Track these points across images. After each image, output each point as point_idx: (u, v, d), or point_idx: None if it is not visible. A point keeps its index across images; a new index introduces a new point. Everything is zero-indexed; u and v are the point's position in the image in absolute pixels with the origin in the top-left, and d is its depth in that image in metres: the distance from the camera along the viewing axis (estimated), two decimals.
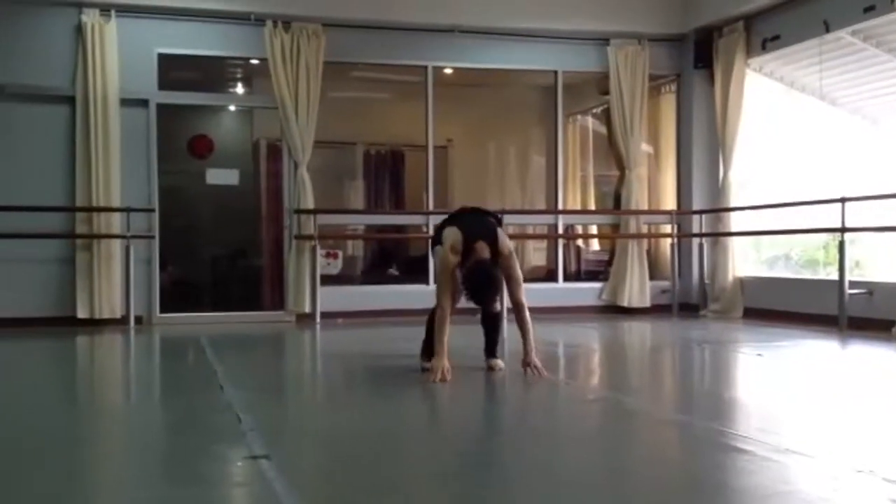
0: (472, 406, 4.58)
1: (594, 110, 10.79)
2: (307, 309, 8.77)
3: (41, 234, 8.16)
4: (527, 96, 11.12)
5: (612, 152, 9.88)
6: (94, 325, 8.13)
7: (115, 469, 3.36)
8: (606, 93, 9.77)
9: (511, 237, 9.52)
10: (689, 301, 9.58)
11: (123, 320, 8.23)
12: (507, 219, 9.23)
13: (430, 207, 9.43)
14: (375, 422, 3.99)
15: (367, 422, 3.99)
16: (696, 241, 9.57)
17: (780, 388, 5.08)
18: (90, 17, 8.24)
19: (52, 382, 5.45)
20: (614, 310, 9.45)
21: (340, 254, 9.77)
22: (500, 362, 5.34)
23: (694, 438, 3.71)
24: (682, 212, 9.76)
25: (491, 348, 5.41)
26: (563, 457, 3.38)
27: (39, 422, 4.01)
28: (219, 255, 11.20)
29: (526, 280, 9.94)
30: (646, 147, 10.07)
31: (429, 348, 5.21)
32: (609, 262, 9.90)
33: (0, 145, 8.16)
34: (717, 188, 9.38)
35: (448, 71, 9.68)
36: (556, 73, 9.69)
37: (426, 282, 9.37)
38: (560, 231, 9.80)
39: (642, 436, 3.84)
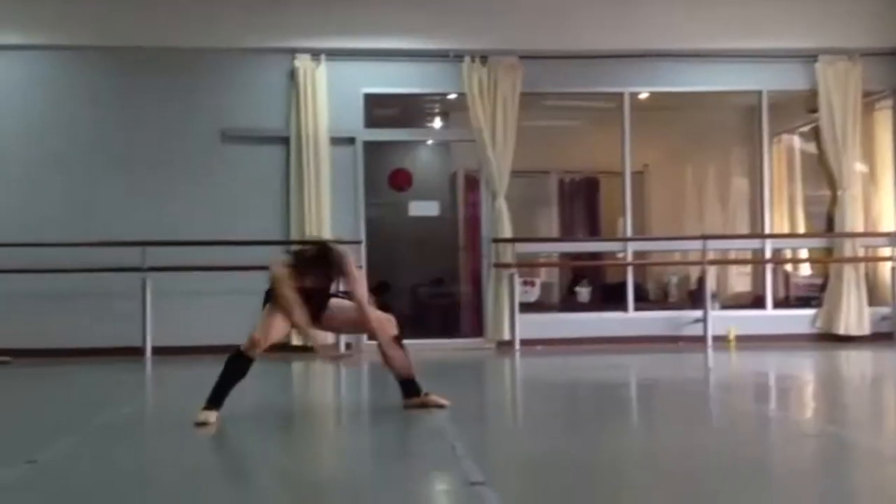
0: (685, 438, 4.44)
1: (801, 129, 10.31)
2: (506, 336, 8.85)
3: (258, 267, 8.67)
4: (727, 118, 10.80)
5: (823, 172, 9.40)
6: (308, 350, 8.53)
7: (342, 493, 3.49)
8: (815, 111, 9.32)
9: (713, 262, 9.39)
10: None
11: (335, 347, 8.61)
12: (709, 244, 9.12)
13: (629, 234, 9.33)
14: (586, 451, 3.97)
15: (579, 451, 3.97)
16: None
17: None
18: (302, 62, 8.78)
19: (268, 407, 5.69)
20: (829, 338, 8.93)
21: (538, 281, 9.81)
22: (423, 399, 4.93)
23: None
24: None
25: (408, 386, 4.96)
26: (781, 496, 3.23)
27: (253, 447, 4.21)
28: (418, 283, 11.54)
29: (730, 307, 9.77)
30: (860, 166, 9.51)
31: (216, 394, 4.55)
32: (822, 288, 9.39)
33: (223, 184, 8.80)
34: None
35: (643, 95, 9.57)
36: (760, 93, 9.37)
37: (624, 309, 9.27)
38: (768, 256, 9.39)
39: (866, 474, 3.61)
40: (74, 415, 5.15)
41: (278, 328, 4.74)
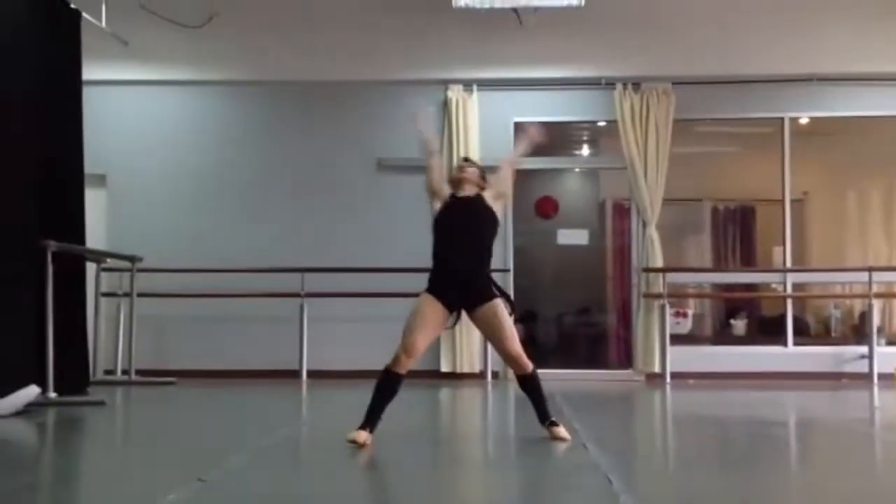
0: (846, 482, 4.20)
1: None
2: (656, 369, 8.67)
3: (404, 294, 8.82)
4: (892, 142, 10.26)
5: None
6: (456, 378, 8.66)
7: None
8: None
9: (879, 296, 8.89)
10: None
11: (482, 375, 8.67)
12: (875, 276, 8.65)
13: (788, 264, 8.98)
14: (744, 493, 3.82)
15: (737, 492, 3.83)
16: None
17: None
18: (455, 93, 8.96)
19: (418, 433, 5.74)
20: None
21: (690, 313, 9.57)
22: (563, 431, 4.88)
23: None
24: None
25: (544, 413, 4.96)
26: None
27: (406, 475, 4.24)
28: (564, 312, 11.46)
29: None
30: None
31: (369, 414, 4.69)
32: None
33: (378, 213, 9.05)
34: None
35: (804, 120, 9.23)
36: None
37: (783, 343, 8.91)
38: None
39: None
40: (238, 435, 5.36)
41: (418, 341, 4.78)
